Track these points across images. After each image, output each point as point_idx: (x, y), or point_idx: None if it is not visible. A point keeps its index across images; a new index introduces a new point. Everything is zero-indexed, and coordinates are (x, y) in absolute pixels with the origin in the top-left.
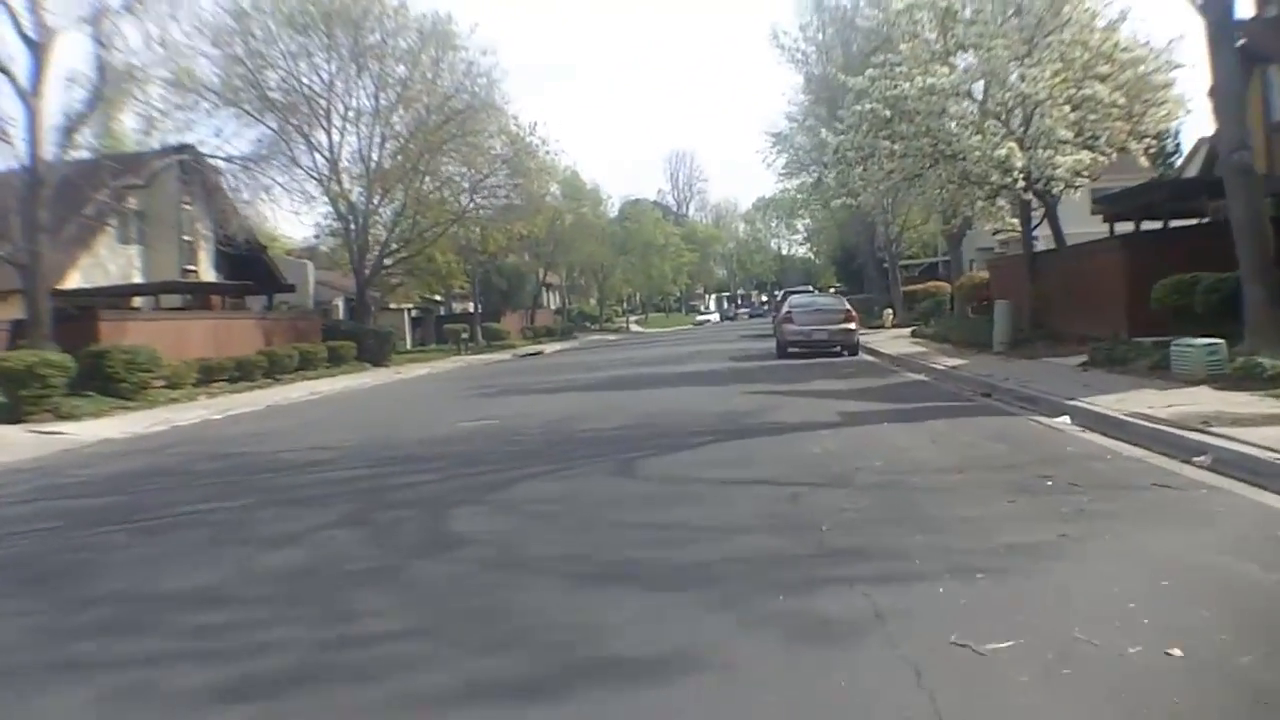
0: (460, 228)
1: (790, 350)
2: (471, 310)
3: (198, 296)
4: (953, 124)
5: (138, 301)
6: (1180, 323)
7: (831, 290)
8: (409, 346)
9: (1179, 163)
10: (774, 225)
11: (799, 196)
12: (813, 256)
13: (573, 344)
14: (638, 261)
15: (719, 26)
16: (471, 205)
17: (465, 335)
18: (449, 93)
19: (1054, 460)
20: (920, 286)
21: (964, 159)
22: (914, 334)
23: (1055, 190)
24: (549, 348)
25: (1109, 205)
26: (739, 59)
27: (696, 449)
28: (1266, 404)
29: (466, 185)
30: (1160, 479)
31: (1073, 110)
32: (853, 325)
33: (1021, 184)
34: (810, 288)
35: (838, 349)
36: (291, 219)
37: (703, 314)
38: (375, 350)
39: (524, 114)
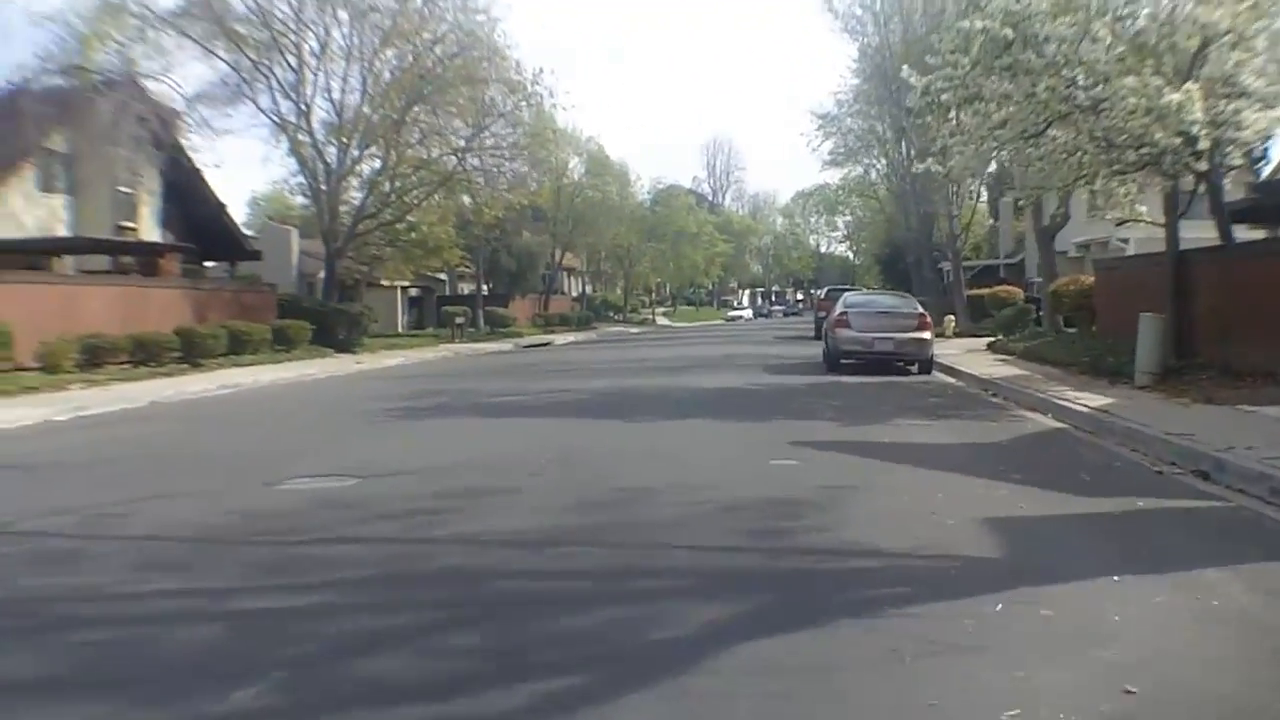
0: (448, 193)
1: (844, 363)
2: (476, 291)
3: (142, 261)
4: (1101, 57)
5: (69, 262)
6: None
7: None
8: (400, 329)
9: None
10: (814, 220)
11: (842, 190)
12: (852, 255)
13: (588, 336)
14: (668, 249)
15: (766, 9)
16: (461, 167)
17: (461, 320)
18: (439, 31)
19: None
20: (987, 290)
21: (1108, 110)
22: (992, 348)
23: (1232, 159)
24: (561, 338)
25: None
26: (787, 44)
27: (691, 672)
28: None
29: (460, 142)
30: None
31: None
32: (928, 334)
33: (1195, 149)
34: (857, 287)
35: (906, 364)
36: (258, 173)
37: (735, 310)
38: (343, 332)
39: (530, 60)
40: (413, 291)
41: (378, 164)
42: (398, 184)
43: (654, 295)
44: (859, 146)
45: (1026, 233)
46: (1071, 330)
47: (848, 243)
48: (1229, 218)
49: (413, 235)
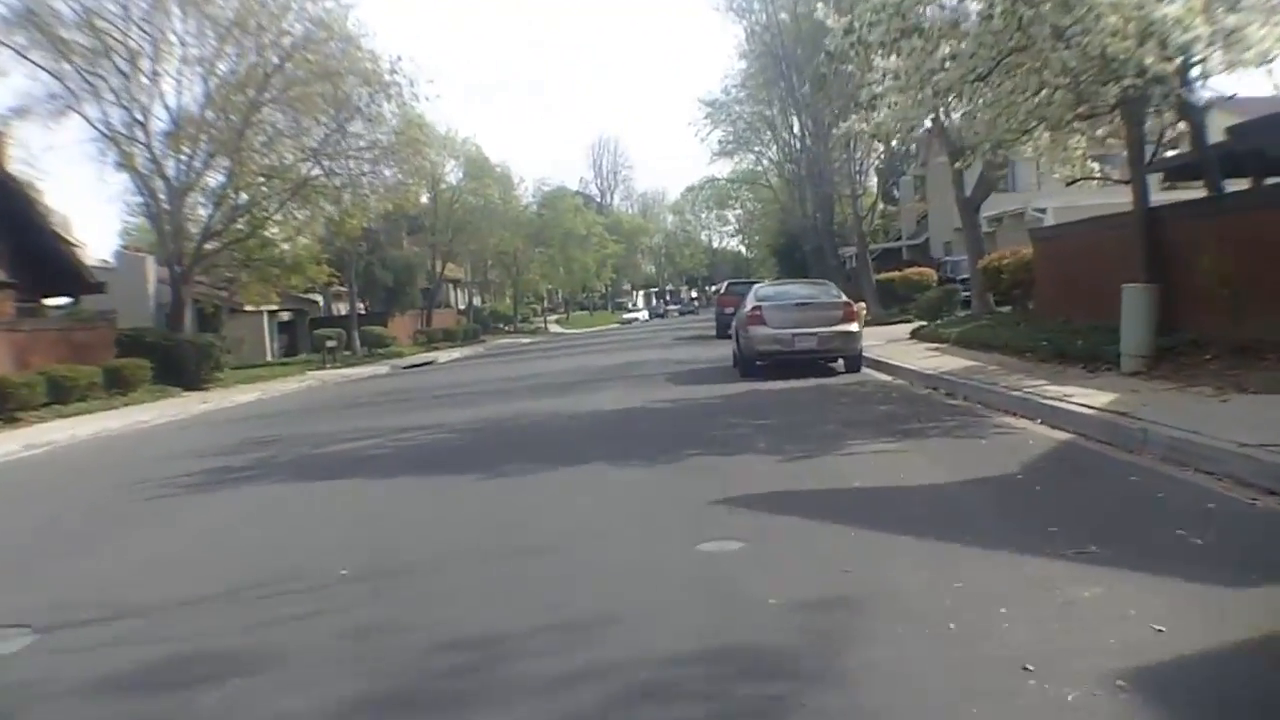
0: (305, 203)
1: (760, 365)
2: (350, 311)
3: None
4: None
5: None
6: None
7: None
8: (269, 356)
9: None
10: (704, 216)
11: (732, 182)
12: (744, 249)
13: (475, 351)
14: (556, 253)
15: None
16: (320, 172)
17: (332, 344)
18: (285, 22)
19: None
20: (896, 274)
21: (1080, 36)
22: (918, 335)
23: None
24: (445, 355)
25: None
26: (671, 36)
27: None
28: None
29: (313, 144)
30: None
31: None
32: (855, 326)
33: (1187, 77)
34: (757, 279)
35: (828, 361)
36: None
37: (630, 312)
38: (193, 367)
39: (391, 50)
40: (284, 315)
41: (224, 176)
42: (245, 196)
43: (546, 302)
44: (749, 133)
45: (930, 211)
46: (1004, 310)
47: (740, 236)
48: (1174, 172)
49: (267, 253)
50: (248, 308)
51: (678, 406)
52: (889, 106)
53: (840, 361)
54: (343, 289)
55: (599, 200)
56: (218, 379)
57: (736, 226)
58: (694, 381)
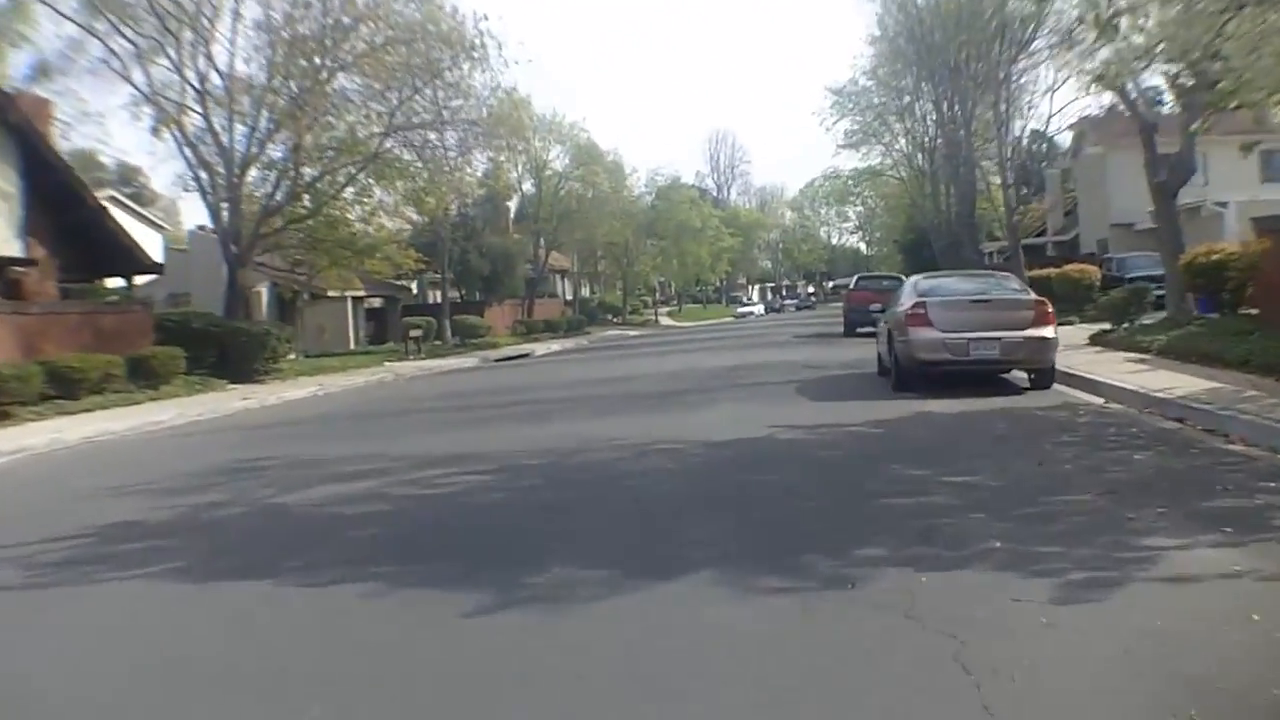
0: (378, 179)
1: (916, 374)
2: (443, 298)
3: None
4: None
5: None
6: None
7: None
8: (353, 344)
9: None
10: (824, 212)
11: (853, 179)
12: (864, 246)
13: (576, 343)
14: (670, 246)
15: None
16: (390, 144)
17: (417, 332)
18: None
19: None
20: (1054, 271)
21: None
22: (1101, 341)
23: None
24: (544, 347)
25: None
26: (791, 27)
27: None
28: None
29: (384, 110)
30: None
31: None
32: (1050, 331)
33: None
34: (891, 275)
35: (1012, 374)
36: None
37: (745, 305)
38: (247, 357)
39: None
40: (375, 301)
41: (285, 149)
42: (309, 171)
43: (657, 294)
44: (877, 123)
45: (1080, 205)
46: (1210, 316)
47: (860, 233)
48: None
49: (337, 233)
50: (330, 293)
51: (820, 439)
52: (1137, 30)
53: (1031, 377)
54: (438, 276)
55: (716, 194)
56: (277, 370)
57: (857, 223)
58: (832, 395)
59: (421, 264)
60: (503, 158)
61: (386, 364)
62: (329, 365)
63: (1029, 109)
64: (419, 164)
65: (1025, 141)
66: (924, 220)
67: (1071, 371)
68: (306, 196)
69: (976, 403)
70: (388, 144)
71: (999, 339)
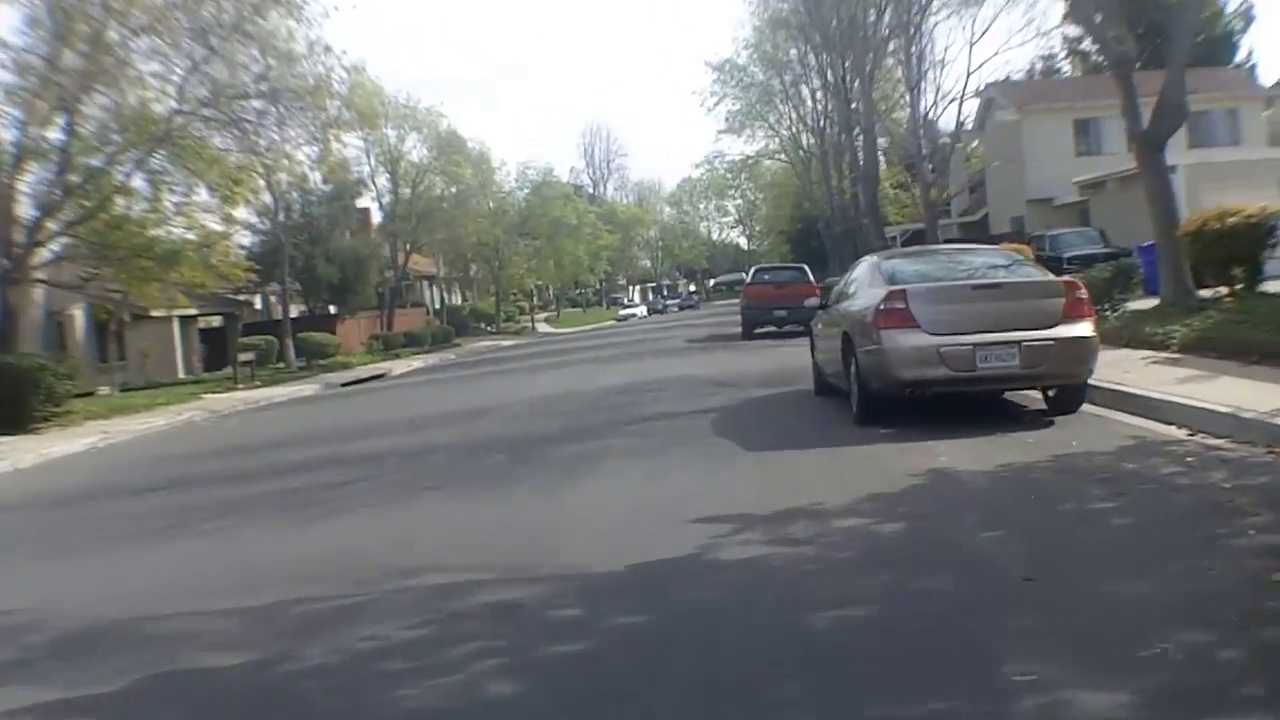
0: (180, 165)
1: (891, 398)
2: (283, 314)
3: None
4: None
5: None
6: None
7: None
8: (181, 372)
9: None
10: (703, 207)
11: (730, 172)
12: (744, 241)
13: (442, 358)
14: (545, 245)
15: None
16: (185, 119)
17: (248, 356)
18: None
19: None
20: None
21: None
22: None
23: None
24: (404, 365)
25: None
26: (662, 9)
27: None
28: None
29: (175, 79)
30: None
31: None
32: (1087, 328)
33: None
34: (796, 265)
35: (1029, 392)
36: None
37: (627, 307)
38: (15, 400)
39: None
40: (214, 320)
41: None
42: (94, 162)
43: (535, 300)
44: (761, 105)
45: (989, 182)
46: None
47: (740, 227)
48: None
49: (127, 237)
50: (154, 313)
51: (795, 561)
52: None
53: (1051, 398)
54: (295, 289)
55: (591, 190)
56: (63, 413)
57: (737, 217)
58: (772, 438)
59: (253, 273)
60: (341, 139)
61: (208, 397)
62: (135, 403)
63: (942, 67)
64: (228, 148)
65: (936, 105)
66: (814, 208)
67: (1094, 382)
68: (88, 191)
69: (999, 445)
70: (183, 119)
71: (1019, 343)
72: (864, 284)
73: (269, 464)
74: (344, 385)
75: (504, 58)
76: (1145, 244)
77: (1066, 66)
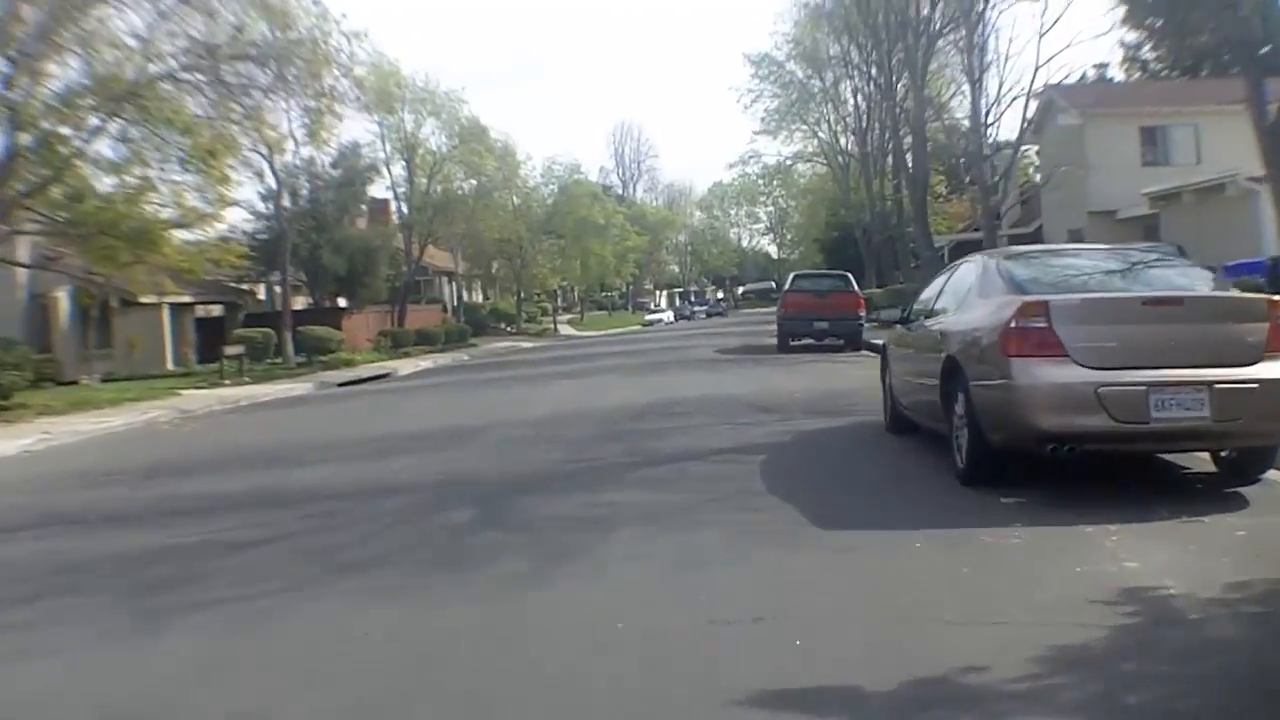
0: (146, 126)
1: (1013, 454)
2: (284, 305)
3: None
4: None
5: None
6: None
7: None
8: (170, 365)
9: None
10: (734, 213)
11: (768, 172)
12: (775, 249)
13: (455, 359)
14: (570, 244)
15: None
16: (158, 80)
17: (234, 350)
18: None
19: None
20: None
21: None
22: None
23: None
24: (412, 365)
25: None
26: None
27: None
28: None
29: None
30: None
31: None
32: None
33: None
34: (840, 273)
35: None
36: None
37: (653, 312)
38: None
39: None
40: (215, 310)
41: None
42: (67, 130)
43: (561, 301)
44: (800, 105)
45: (1048, 191)
46: None
47: (770, 234)
48: None
49: (89, 212)
50: (143, 300)
51: None
52: None
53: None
54: (302, 280)
55: (621, 191)
56: (13, 407)
57: (768, 224)
58: (849, 506)
59: (247, 260)
60: (335, 110)
61: (186, 393)
62: (100, 398)
63: (1005, 61)
64: (206, 115)
65: (999, 101)
66: (851, 215)
67: None
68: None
69: (1192, 537)
70: (154, 78)
71: (1209, 384)
72: (974, 291)
73: (168, 500)
74: (340, 385)
75: (529, 53)
76: (1231, 263)
77: (1120, 75)
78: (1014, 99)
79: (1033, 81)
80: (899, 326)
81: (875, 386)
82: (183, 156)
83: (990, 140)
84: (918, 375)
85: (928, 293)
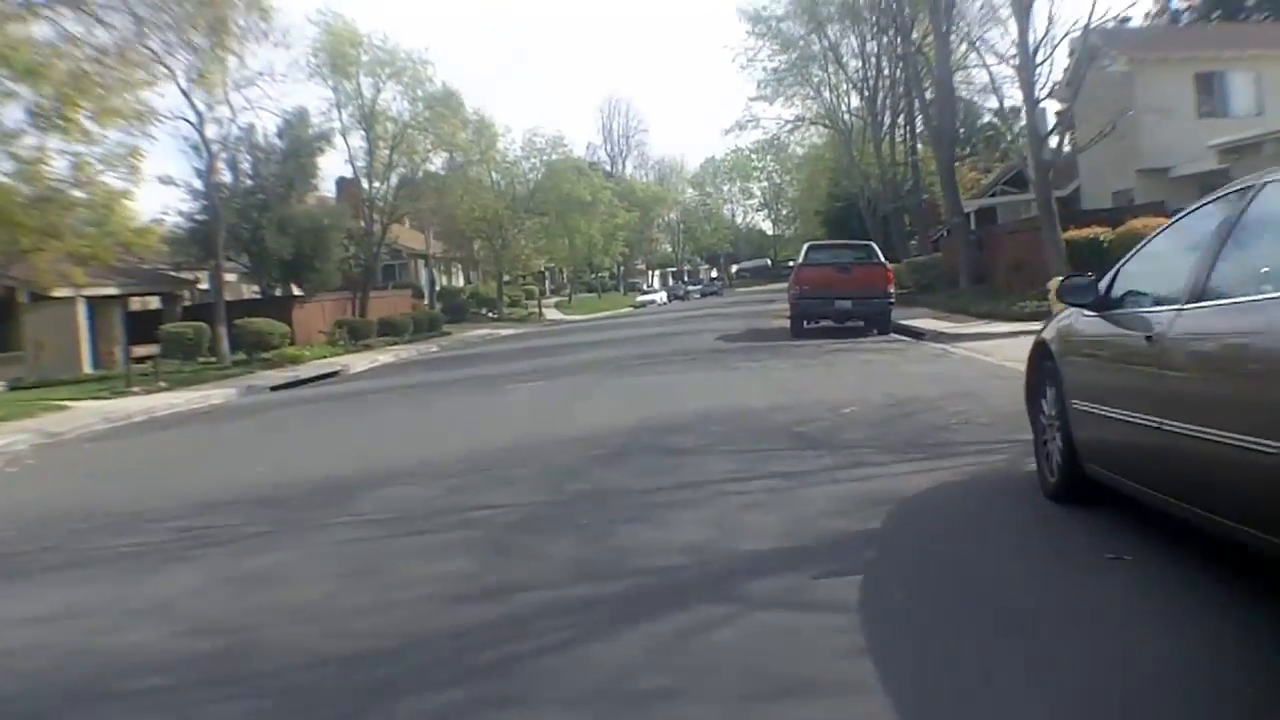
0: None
1: None
2: (216, 295)
3: None
4: None
5: None
6: None
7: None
8: (85, 367)
9: None
10: (726, 189)
11: (757, 152)
12: (769, 225)
13: (422, 351)
14: (554, 223)
15: None
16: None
17: (147, 353)
18: None
19: None
20: (1101, 231)
21: None
22: None
23: None
24: (369, 360)
25: None
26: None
27: None
28: None
29: None
30: None
31: None
32: None
33: None
34: (865, 243)
35: None
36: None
37: (645, 293)
38: None
39: None
40: (152, 302)
41: None
42: None
43: (547, 283)
44: (801, 65)
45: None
46: None
47: (765, 210)
48: None
49: None
50: (55, 292)
51: None
52: None
53: None
54: (236, 264)
55: (609, 167)
56: None
57: (761, 200)
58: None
59: (175, 245)
60: (234, 49)
61: (76, 405)
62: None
63: None
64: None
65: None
66: (854, 185)
67: None
68: None
69: None
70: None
71: None
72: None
73: None
74: (273, 389)
75: (517, 24)
76: None
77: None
78: (1067, 33)
79: (1091, 12)
80: (1085, 313)
81: (950, 389)
82: (32, 105)
83: (1042, 82)
84: (1129, 402)
85: (1133, 260)
